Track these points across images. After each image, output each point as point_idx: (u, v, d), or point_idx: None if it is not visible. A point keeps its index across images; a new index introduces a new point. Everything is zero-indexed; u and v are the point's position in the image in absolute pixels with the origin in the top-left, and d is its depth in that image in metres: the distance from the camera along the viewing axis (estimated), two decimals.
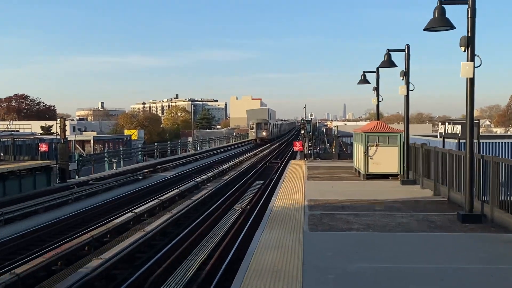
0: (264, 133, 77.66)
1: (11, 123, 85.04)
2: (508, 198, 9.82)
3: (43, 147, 29.03)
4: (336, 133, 49.12)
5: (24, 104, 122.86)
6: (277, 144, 70.98)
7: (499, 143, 23.17)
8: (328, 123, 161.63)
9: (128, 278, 11.07)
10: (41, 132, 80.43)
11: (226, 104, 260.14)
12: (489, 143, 22.66)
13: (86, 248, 13.40)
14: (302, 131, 49.28)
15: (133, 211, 17.96)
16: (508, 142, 23.26)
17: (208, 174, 30.99)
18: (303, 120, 72.23)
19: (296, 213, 12.01)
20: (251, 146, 70.78)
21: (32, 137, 45.21)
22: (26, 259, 12.78)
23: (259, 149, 57.84)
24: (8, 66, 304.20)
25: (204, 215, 18.25)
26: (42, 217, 18.41)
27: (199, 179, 28.47)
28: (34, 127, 79.41)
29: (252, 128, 79.69)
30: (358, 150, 20.41)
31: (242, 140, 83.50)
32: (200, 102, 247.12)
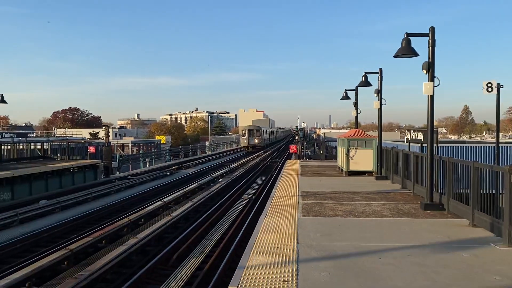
0: (256, 140, 60.95)
1: (66, 130, 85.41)
2: (461, 191, 9.79)
3: (91, 149, 29.17)
4: (323, 139, 49.01)
5: (76, 115, 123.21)
6: (271, 150, 62.49)
7: (453, 147, 23.16)
8: (317, 130, 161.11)
9: (159, 253, 11.08)
10: (90, 137, 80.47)
11: (236, 115, 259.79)
12: (446, 147, 22.62)
13: (125, 229, 13.42)
14: (297, 137, 49.10)
15: (162, 200, 17.97)
16: (460, 146, 23.25)
17: (222, 171, 30.97)
18: (297, 128, 72.00)
19: (292, 202, 11.99)
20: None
21: (83, 141, 45.34)
22: (78, 238, 12.82)
23: (261, 151, 57.70)
24: (65, 85, 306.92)
25: (218, 203, 18.24)
26: (90, 204, 18.46)
27: (214, 175, 28.44)
28: (84, 133, 79.59)
29: (243, 135, 62.30)
30: (341, 152, 20.38)
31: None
32: (215, 114, 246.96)
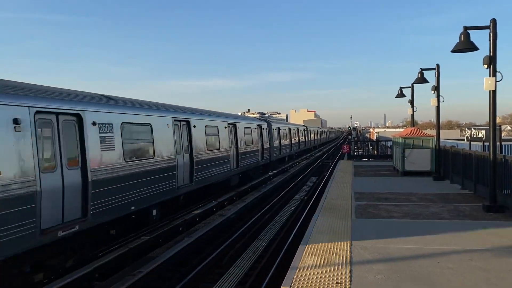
0: None
1: None
2: None
3: None
4: (377, 138, 47.90)
5: None
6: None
7: None
8: (371, 129, 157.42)
9: (213, 252, 11.33)
10: None
11: (286, 116, 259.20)
12: (510, 145, 21.34)
13: (180, 229, 13.80)
14: (349, 136, 48.21)
15: (216, 200, 18.29)
16: None
17: (274, 171, 31.02)
18: (350, 127, 70.73)
19: (345, 203, 11.84)
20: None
21: None
22: (136, 236, 13.36)
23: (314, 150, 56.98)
24: (124, 89, 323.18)
25: (270, 204, 18.33)
26: None
27: (267, 175, 28.55)
28: None
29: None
30: (396, 151, 19.84)
31: None
32: (267, 115, 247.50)
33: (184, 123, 14.44)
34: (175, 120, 13.62)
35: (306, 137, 49.63)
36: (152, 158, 11.82)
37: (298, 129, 44.16)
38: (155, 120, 12.23)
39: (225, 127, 18.85)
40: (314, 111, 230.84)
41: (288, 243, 11.80)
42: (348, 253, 7.03)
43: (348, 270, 6.22)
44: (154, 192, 11.78)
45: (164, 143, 12.60)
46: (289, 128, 38.64)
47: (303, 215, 15.42)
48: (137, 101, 12.57)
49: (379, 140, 42.59)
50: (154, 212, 12.26)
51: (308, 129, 53.19)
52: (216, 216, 15.25)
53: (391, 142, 27.03)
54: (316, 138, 63.61)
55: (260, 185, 23.67)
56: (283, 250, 11.14)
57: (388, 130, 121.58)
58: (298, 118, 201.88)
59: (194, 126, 15.04)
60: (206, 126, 16.32)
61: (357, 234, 8.28)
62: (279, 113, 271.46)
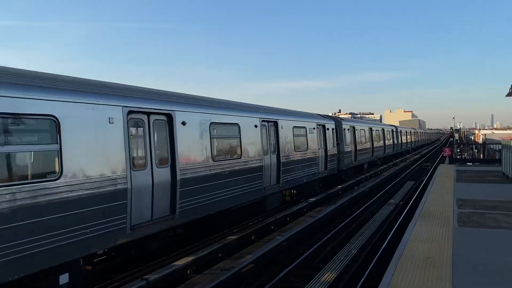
0: None
1: None
2: None
3: None
4: (484, 140, 44.24)
5: None
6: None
7: None
8: (476, 131, 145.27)
9: (303, 252, 11.36)
10: None
11: (380, 116, 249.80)
12: None
13: (272, 227, 14.03)
14: (451, 139, 45.05)
15: (307, 201, 18.27)
16: None
17: (366, 174, 30.11)
18: (452, 129, 66.26)
19: (446, 210, 11.11)
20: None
21: None
22: (229, 232, 13.88)
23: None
24: (219, 92, 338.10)
25: (362, 207, 17.84)
26: None
27: (358, 178, 27.80)
28: None
29: None
30: (507, 156, 18.13)
31: None
32: (359, 115, 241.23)
33: (161, 118, 9.07)
34: (130, 112, 8.09)
35: (395, 139, 43.06)
36: (56, 178, 6.42)
37: (383, 129, 37.35)
38: (68, 111, 6.64)
39: (256, 126, 13.40)
40: (411, 111, 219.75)
41: (382, 249, 11.40)
42: (449, 264, 6.61)
43: (449, 283, 5.84)
44: (58, 244, 6.39)
45: (96, 152, 7.16)
46: (370, 128, 31.97)
47: (398, 221, 14.77)
48: (23, 72, 6.67)
49: (486, 143, 39.23)
50: (66, 278, 6.80)
51: (398, 130, 46.29)
52: (306, 217, 15.25)
53: (499, 145, 24.75)
54: (409, 140, 57.04)
55: (351, 187, 22.79)
56: (377, 256, 10.79)
57: (496, 132, 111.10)
58: (393, 118, 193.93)
59: (183, 124, 9.57)
60: (211, 123, 10.83)
61: (459, 244, 7.74)
62: (372, 114, 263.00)
